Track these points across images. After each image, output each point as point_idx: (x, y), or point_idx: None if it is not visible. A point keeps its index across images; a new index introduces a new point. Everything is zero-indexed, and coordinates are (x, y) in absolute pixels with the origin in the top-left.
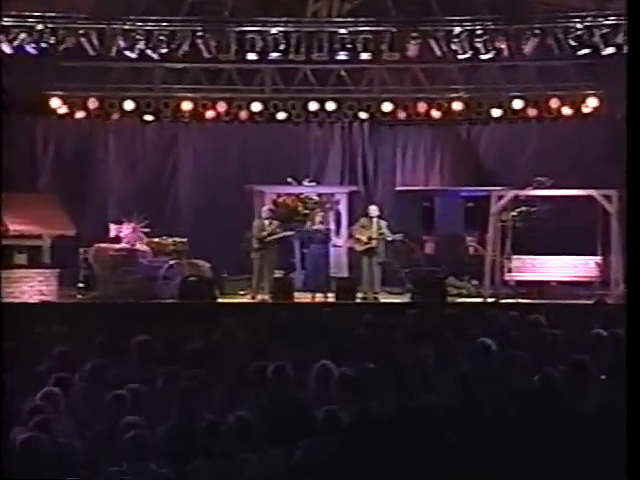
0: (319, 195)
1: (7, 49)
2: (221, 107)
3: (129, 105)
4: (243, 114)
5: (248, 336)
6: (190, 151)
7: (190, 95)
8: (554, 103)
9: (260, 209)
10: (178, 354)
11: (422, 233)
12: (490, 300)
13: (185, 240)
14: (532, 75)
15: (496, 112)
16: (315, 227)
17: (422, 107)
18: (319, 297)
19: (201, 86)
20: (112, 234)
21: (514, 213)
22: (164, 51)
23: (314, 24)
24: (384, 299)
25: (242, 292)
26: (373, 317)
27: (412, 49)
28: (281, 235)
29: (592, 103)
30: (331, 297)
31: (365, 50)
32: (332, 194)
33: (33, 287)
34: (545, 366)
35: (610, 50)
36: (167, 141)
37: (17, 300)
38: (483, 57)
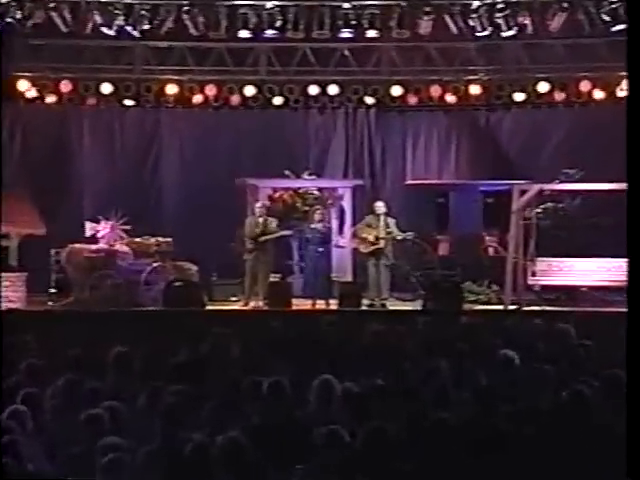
0: (320, 190)
1: None
2: (210, 91)
3: (107, 88)
4: (235, 99)
5: (240, 348)
6: (175, 140)
7: (175, 77)
8: (584, 86)
9: (254, 205)
10: (162, 368)
11: (435, 232)
12: (512, 307)
13: (170, 240)
14: (560, 54)
15: (519, 96)
16: (315, 225)
17: (435, 91)
18: (320, 304)
19: (188, 67)
20: (88, 233)
21: (539, 210)
22: (146, 28)
23: None
24: (393, 306)
25: (234, 298)
26: (380, 326)
27: (424, 26)
28: (277, 235)
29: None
30: (333, 304)
31: (372, 27)
32: (334, 188)
33: None
34: (575, 382)
35: None
36: (149, 129)
37: None
38: (504, 34)
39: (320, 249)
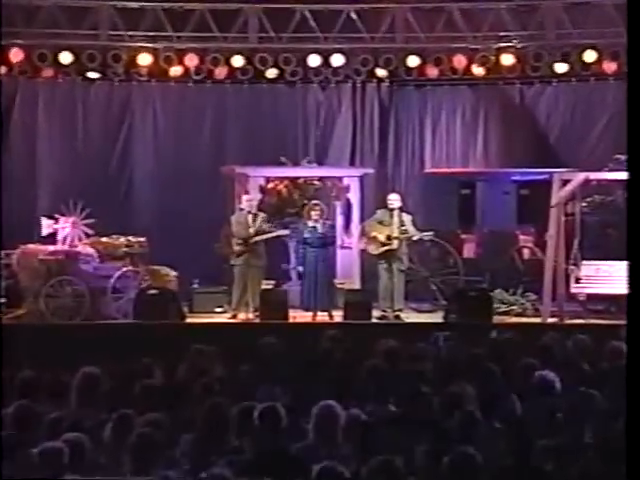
0: (322, 180)
1: None
2: (191, 61)
3: (66, 58)
4: (220, 71)
5: (227, 368)
6: (149, 120)
7: (148, 45)
8: None
9: (243, 198)
10: (132, 392)
11: (459, 230)
12: (552, 320)
13: (143, 240)
14: (609, 17)
15: (560, 67)
16: (316, 223)
17: (460, 61)
18: (322, 316)
19: (163, 33)
20: (44, 232)
21: (584, 204)
22: None
23: None
24: (408, 318)
25: (219, 309)
26: (393, 342)
27: None
28: (271, 234)
29: None
30: (337, 316)
31: None
32: (339, 178)
33: None
34: None
35: None
36: (118, 107)
37: None
38: None
39: (322, 251)
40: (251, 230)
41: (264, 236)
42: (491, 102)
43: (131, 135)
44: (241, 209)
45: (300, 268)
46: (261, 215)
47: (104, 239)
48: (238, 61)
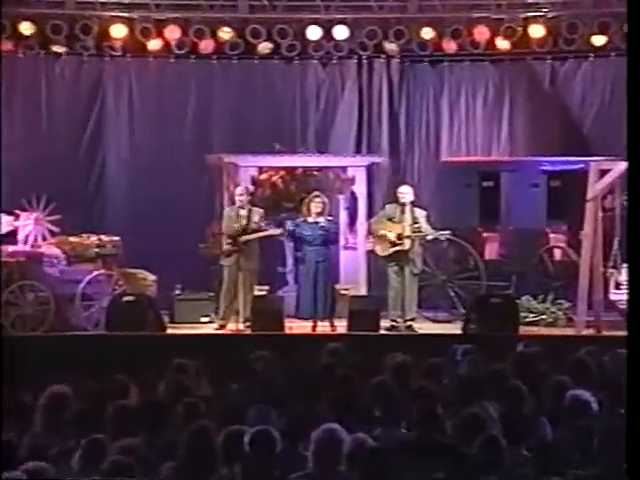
0: (322, 170)
1: None
2: (171, 34)
3: (27, 29)
4: (205, 45)
5: (213, 386)
6: (123, 102)
7: (123, 15)
8: None
9: (232, 191)
10: (105, 415)
11: (481, 228)
12: (587, 332)
13: (117, 239)
14: None
15: (598, 40)
16: (317, 219)
17: (482, 33)
18: (322, 326)
19: (140, 0)
20: (2, 230)
21: (625, 197)
22: None
23: None
24: (422, 329)
25: (204, 319)
26: (405, 357)
27: None
28: (264, 233)
29: None
30: (341, 326)
31: None
32: (343, 168)
33: None
34: None
35: None
36: (88, 86)
37: None
38: None
39: (323, 251)
40: (241, 228)
41: (253, 235)
42: (517, 81)
43: (103, 118)
44: (231, 203)
45: (299, 272)
46: (256, 211)
47: (72, 238)
48: (226, 33)
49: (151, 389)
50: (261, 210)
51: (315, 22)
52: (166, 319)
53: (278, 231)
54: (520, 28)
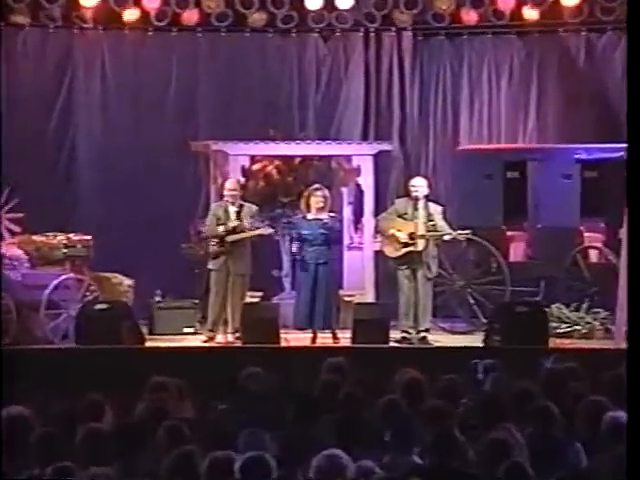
0: (324, 159)
1: None
2: (150, 2)
3: None
4: (189, 15)
5: (199, 407)
6: (96, 80)
7: None
8: None
9: (220, 184)
10: (74, 440)
11: (505, 226)
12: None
13: (88, 238)
14: None
15: None
16: (317, 215)
17: (506, 2)
18: (323, 338)
19: None
20: None
21: None
22: None
23: None
24: (438, 341)
25: (188, 329)
26: (418, 373)
27: None
28: (256, 232)
29: None
30: (344, 338)
31: None
32: (347, 157)
33: None
34: None
35: None
36: (55, 61)
37: None
38: None
39: (325, 252)
40: (230, 226)
41: (239, 236)
42: (548, 56)
43: (72, 99)
44: (219, 198)
45: (297, 276)
46: (248, 208)
47: (36, 237)
48: (213, 2)
49: (127, 410)
50: (254, 207)
51: None
52: (144, 330)
53: (269, 230)
54: None
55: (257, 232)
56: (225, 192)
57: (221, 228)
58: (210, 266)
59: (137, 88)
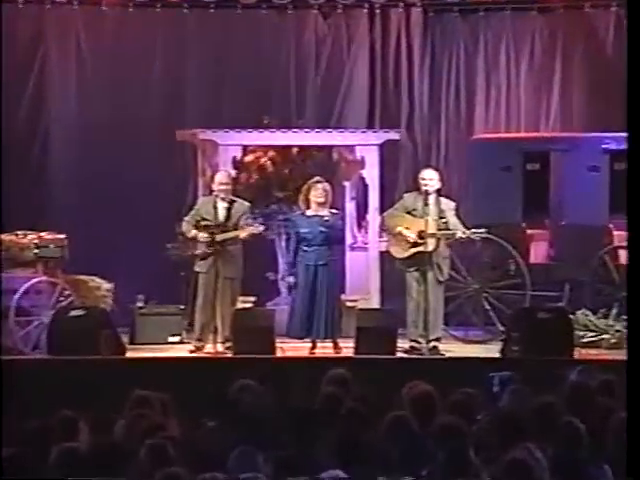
0: (324, 149)
1: None
2: None
3: None
4: None
5: (185, 424)
6: (71, 61)
7: None
8: None
9: (210, 176)
10: (47, 460)
11: (525, 223)
12: None
13: (62, 237)
14: None
15: None
16: (317, 212)
17: None
18: (323, 348)
19: None
20: None
21: None
22: None
23: None
24: (450, 351)
25: (173, 338)
26: (428, 387)
27: None
28: (247, 232)
29: None
30: (347, 348)
31: None
32: (350, 147)
33: None
34: None
35: None
36: (25, 40)
37: None
38: None
39: (325, 253)
40: (220, 224)
41: (228, 235)
42: (573, 34)
43: (44, 81)
44: (208, 192)
45: (292, 278)
46: (240, 204)
47: (4, 236)
48: None
49: (106, 428)
50: (246, 203)
51: None
52: (125, 339)
53: (260, 228)
54: None
55: (247, 231)
56: (214, 186)
57: (214, 223)
58: (197, 268)
59: (117, 72)
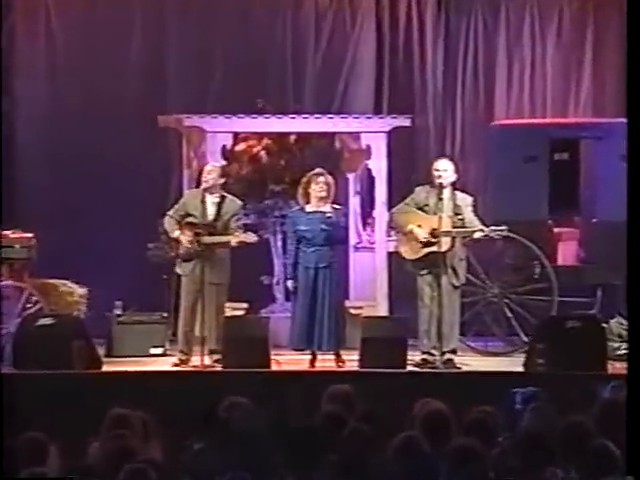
0: (325, 137)
1: None
2: None
3: None
4: None
5: (169, 446)
6: (40, 39)
7: None
8: None
9: (196, 168)
10: None
11: (552, 221)
12: None
13: (29, 236)
14: None
15: None
16: (318, 208)
17: None
18: (325, 359)
19: None
20: None
21: None
22: None
23: None
24: (467, 365)
25: (156, 350)
26: (441, 405)
27: None
28: (239, 238)
29: None
30: (351, 360)
31: None
32: (354, 136)
33: None
34: None
35: None
36: None
37: None
38: None
39: (326, 253)
40: (208, 222)
41: (216, 239)
42: (605, 10)
43: (10, 69)
44: (195, 185)
45: (290, 282)
46: (228, 198)
47: None
48: None
49: (79, 451)
50: (239, 202)
51: None
52: (101, 351)
53: (253, 238)
54: None
55: (239, 239)
56: (202, 179)
57: (202, 221)
58: (179, 271)
59: (91, 54)
